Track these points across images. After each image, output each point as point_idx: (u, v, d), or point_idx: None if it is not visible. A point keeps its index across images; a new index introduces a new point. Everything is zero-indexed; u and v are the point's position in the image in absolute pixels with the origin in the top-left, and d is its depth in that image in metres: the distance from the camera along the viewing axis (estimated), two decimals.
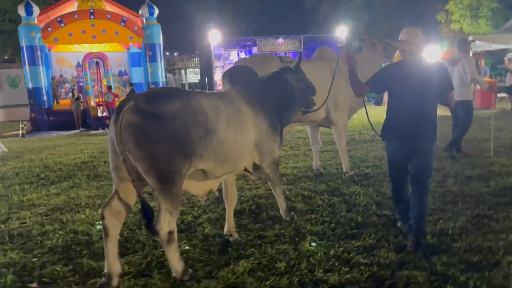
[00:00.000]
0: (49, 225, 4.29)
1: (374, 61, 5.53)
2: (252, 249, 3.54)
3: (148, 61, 17.13)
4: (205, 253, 3.51)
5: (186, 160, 2.88)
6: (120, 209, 2.99)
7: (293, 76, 4.00)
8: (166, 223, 2.87)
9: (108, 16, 16.30)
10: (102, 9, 16.55)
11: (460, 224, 3.91)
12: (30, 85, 15.52)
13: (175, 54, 50.92)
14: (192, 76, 41.87)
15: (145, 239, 3.80)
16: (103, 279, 2.99)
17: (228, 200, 3.84)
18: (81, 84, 16.78)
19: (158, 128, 2.76)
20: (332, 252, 3.41)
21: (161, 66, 17.36)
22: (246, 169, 3.69)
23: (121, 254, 3.52)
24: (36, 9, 15.22)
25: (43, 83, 15.73)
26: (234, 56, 27.06)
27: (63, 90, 18.34)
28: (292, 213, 4.21)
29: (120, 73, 20.46)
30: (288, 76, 3.98)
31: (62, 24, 15.66)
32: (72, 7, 16.85)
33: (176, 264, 3.02)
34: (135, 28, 16.65)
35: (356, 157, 6.94)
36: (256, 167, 3.76)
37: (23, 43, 15.16)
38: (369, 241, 3.61)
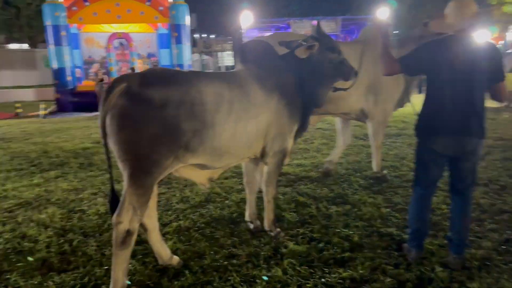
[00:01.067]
0: (1, 224, 3.82)
1: None
2: (213, 274, 2.88)
3: (174, 42, 16.62)
4: (155, 277, 2.89)
5: (171, 151, 2.56)
6: None
7: (322, 48, 3.28)
8: (128, 217, 2.51)
9: None
10: None
11: (483, 252, 3.08)
12: (54, 66, 15.40)
13: (212, 36, 50.60)
14: (230, 58, 41.63)
15: (94, 252, 3.23)
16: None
17: (248, 187, 3.60)
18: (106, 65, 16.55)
19: (145, 114, 2.47)
20: (309, 286, 2.71)
21: (187, 48, 16.80)
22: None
23: (61, 270, 2.98)
24: None
25: (68, 63, 15.58)
26: None
27: (91, 70, 18.23)
28: (278, 229, 3.50)
29: (149, 55, 20.18)
30: (315, 48, 3.25)
31: (87, 3, 15.39)
32: None
33: (118, 277, 2.55)
34: (161, 8, 16.15)
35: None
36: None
37: (48, 22, 15.00)
38: (361, 271, 2.87)
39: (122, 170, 2.53)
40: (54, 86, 15.68)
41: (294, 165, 5.58)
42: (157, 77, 2.63)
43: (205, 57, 44.71)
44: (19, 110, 14.66)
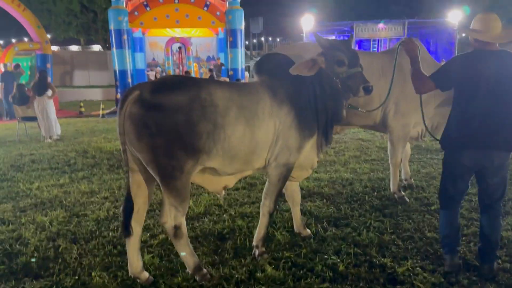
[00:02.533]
0: (5, 225, 4.01)
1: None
2: None
3: (228, 46, 16.80)
4: None
5: (189, 156, 2.68)
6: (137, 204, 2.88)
7: (330, 62, 3.10)
8: (171, 217, 2.77)
9: (192, 0, 16.23)
10: None
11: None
12: (116, 68, 16.20)
13: (278, 39, 50.76)
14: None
15: (73, 260, 3.26)
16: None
17: (290, 201, 3.68)
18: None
19: (159, 120, 2.59)
20: None
21: (241, 52, 16.90)
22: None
23: (37, 276, 3.04)
24: None
25: (129, 66, 16.32)
26: None
27: (155, 73, 19.00)
28: (263, 248, 3.31)
29: (208, 58, 20.66)
30: (316, 65, 3.09)
31: (148, 8, 15.98)
32: None
33: (188, 259, 2.91)
34: (218, 13, 16.37)
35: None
36: None
37: (111, 27, 15.79)
38: None
39: (153, 175, 2.72)
40: (115, 87, 16.48)
41: (312, 179, 5.32)
42: (167, 83, 2.76)
43: None
44: (82, 109, 15.61)
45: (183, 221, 2.82)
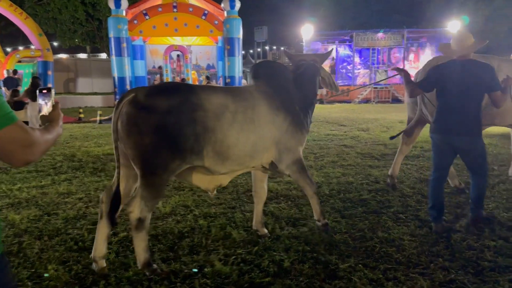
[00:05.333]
0: None
1: None
2: (125, 287, 2.93)
3: (226, 55, 17.05)
4: (71, 284, 2.99)
5: (175, 155, 2.88)
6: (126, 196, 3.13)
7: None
8: (138, 208, 2.91)
9: (190, 9, 16.54)
10: (185, 3, 16.87)
11: None
12: (115, 75, 16.51)
13: (282, 48, 51.04)
14: None
15: (34, 255, 3.42)
16: (93, 264, 3.12)
17: (256, 196, 3.84)
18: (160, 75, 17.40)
19: (148, 121, 2.80)
20: None
21: (238, 60, 17.14)
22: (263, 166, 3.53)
23: None
24: (124, 2, 16.06)
25: (127, 73, 16.63)
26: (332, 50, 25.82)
27: (154, 81, 19.32)
28: (326, 220, 3.84)
29: (208, 66, 20.98)
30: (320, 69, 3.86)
31: (147, 17, 16.32)
32: (159, 0, 17.49)
33: (140, 254, 3.04)
34: (216, 22, 16.66)
35: (375, 176, 5.77)
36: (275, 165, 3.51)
37: (111, 35, 16.14)
38: None
39: (136, 169, 2.91)
40: (114, 93, 16.78)
41: (283, 182, 5.46)
42: (161, 88, 3.00)
43: None
44: (81, 115, 15.88)
45: (148, 216, 2.98)
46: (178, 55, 17.47)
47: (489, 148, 7.32)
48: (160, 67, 16.81)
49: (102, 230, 3.12)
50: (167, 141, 2.83)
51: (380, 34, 24.81)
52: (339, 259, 3.29)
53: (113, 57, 16.40)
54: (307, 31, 24.22)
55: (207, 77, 16.40)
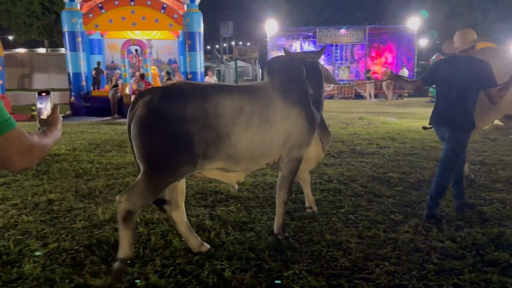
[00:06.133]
0: None
1: None
2: None
3: (187, 50, 16.67)
4: None
5: (186, 161, 2.82)
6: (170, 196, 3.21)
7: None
8: (130, 202, 2.79)
9: (148, 2, 16.05)
10: None
11: None
12: (70, 70, 15.83)
13: (248, 44, 50.92)
14: None
15: None
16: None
17: (300, 180, 4.09)
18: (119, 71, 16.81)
19: (162, 125, 2.77)
20: None
21: (200, 55, 16.80)
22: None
23: None
24: None
25: (83, 68, 15.98)
26: (297, 46, 25.76)
27: (113, 76, 18.63)
28: (286, 234, 3.59)
29: (170, 61, 20.43)
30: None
31: (103, 10, 15.73)
32: None
33: (123, 247, 2.89)
34: (175, 16, 16.25)
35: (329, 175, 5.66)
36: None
37: (65, 29, 15.44)
38: None
39: (141, 167, 2.85)
40: (69, 90, 16.10)
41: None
42: (177, 92, 2.89)
43: (243, 64, 45.41)
44: (34, 113, 15.15)
45: (138, 211, 2.87)
46: (136, 50, 16.90)
47: None
48: (168, 73, 15.95)
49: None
50: (179, 147, 2.78)
51: (342, 31, 25.01)
52: (284, 266, 3.14)
53: (68, 52, 15.71)
54: (271, 27, 24.12)
55: (168, 73, 15.94)
